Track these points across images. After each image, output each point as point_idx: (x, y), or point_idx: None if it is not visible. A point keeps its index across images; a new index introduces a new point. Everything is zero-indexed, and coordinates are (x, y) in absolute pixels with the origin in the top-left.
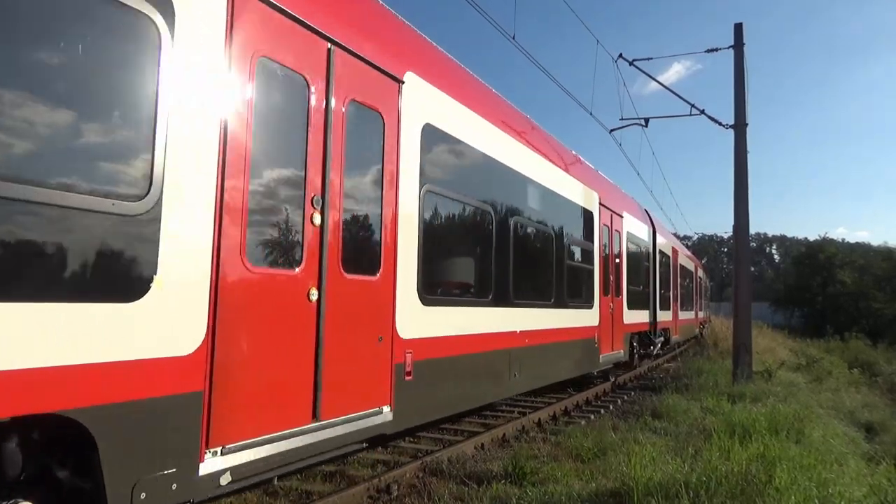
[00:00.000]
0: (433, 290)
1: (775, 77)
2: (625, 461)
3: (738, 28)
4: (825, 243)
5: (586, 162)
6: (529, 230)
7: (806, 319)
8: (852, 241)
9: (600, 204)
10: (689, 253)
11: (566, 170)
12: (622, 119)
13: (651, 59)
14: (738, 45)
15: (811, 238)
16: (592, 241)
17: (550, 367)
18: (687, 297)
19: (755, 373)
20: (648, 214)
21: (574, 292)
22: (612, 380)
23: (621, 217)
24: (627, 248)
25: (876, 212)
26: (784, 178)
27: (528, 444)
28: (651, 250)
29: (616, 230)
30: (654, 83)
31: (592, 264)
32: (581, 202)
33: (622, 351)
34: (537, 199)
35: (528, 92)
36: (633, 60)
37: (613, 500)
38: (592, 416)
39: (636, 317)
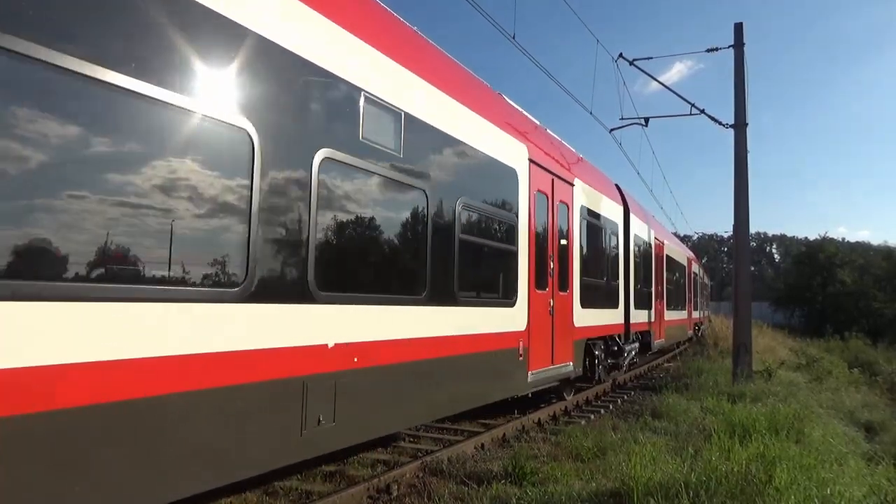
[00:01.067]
0: (41, 266)
1: (776, 76)
2: (625, 461)
3: (739, 28)
4: (825, 243)
5: (513, 104)
6: (366, 178)
7: (806, 319)
8: (853, 240)
9: (531, 161)
10: (680, 245)
11: (461, 100)
12: (622, 119)
13: (651, 58)
14: (739, 45)
15: (811, 237)
16: (515, 212)
17: (418, 399)
18: (677, 295)
19: (755, 372)
20: (620, 191)
21: (477, 282)
22: (608, 382)
23: (570, 185)
24: (582, 227)
25: (877, 211)
26: (785, 178)
27: (528, 443)
28: (623, 234)
29: (561, 201)
30: (655, 83)
31: (515, 244)
32: (492, 152)
33: (571, 363)
34: (387, 130)
35: (528, 92)
36: (633, 60)
37: (613, 500)
38: (592, 416)
39: (597, 317)
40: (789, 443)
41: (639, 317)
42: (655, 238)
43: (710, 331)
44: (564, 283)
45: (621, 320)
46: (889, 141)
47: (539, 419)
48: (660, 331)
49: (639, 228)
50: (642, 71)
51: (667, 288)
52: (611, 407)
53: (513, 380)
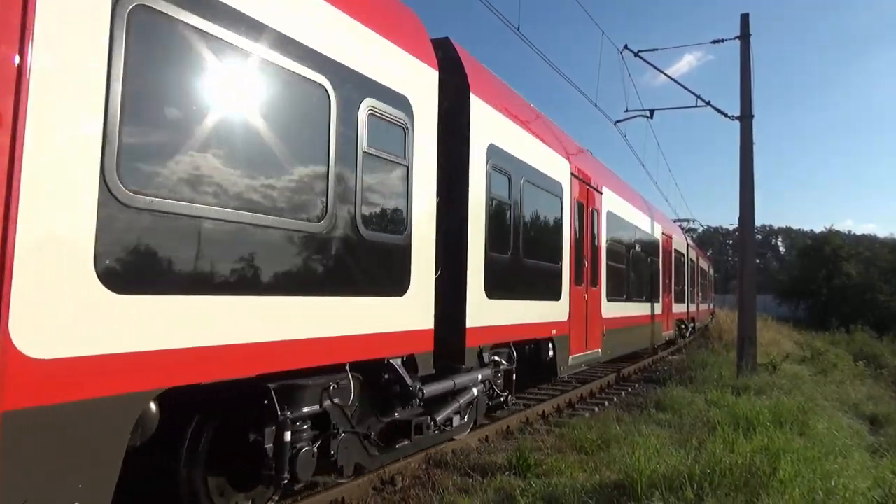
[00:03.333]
0: None
1: (784, 68)
2: (629, 453)
3: (745, 19)
4: (831, 235)
5: None
6: None
7: (811, 312)
8: (860, 232)
9: None
10: (656, 213)
11: None
12: (627, 111)
13: (657, 49)
14: (745, 37)
15: (817, 230)
16: None
17: None
18: (638, 279)
19: (760, 365)
20: (452, 51)
21: None
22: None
23: None
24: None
25: (884, 203)
26: (791, 170)
27: (532, 436)
28: (439, 131)
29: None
30: (663, 75)
31: None
32: None
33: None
34: None
35: (532, 84)
36: (639, 52)
37: (617, 492)
38: (596, 409)
39: (285, 324)
40: (793, 435)
41: (506, 314)
42: (581, 177)
43: (716, 325)
44: None
45: (413, 323)
46: None
47: (543, 411)
48: (586, 337)
49: (520, 145)
50: (647, 63)
51: (614, 267)
52: (615, 399)
53: None
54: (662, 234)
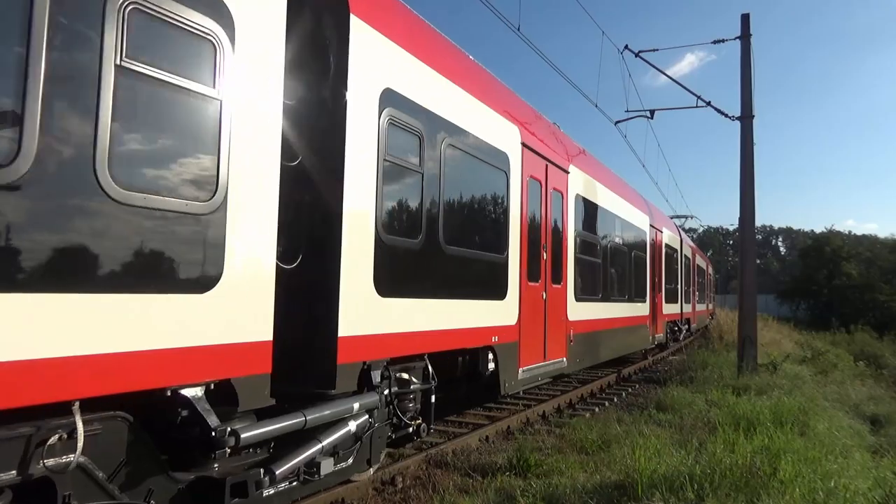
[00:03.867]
0: None
1: (784, 67)
2: (629, 453)
3: (745, 19)
4: (831, 235)
5: None
6: None
7: (811, 312)
8: (861, 232)
9: None
10: (640, 199)
11: None
12: (627, 111)
13: (657, 49)
14: (745, 36)
15: (818, 230)
16: None
17: None
18: (630, 277)
19: (760, 365)
20: None
21: None
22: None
23: None
24: None
25: (886, 203)
26: (792, 170)
27: (532, 436)
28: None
29: None
30: (664, 75)
31: None
32: None
33: None
34: None
35: (533, 84)
36: (639, 52)
37: (618, 492)
38: (597, 409)
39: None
40: (794, 435)
41: (415, 317)
42: (537, 150)
43: (716, 325)
44: None
45: (227, 333)
46: None
47: (544, 412)
48: (545, 344)
49: (440, 98)
50: (648, 63)
51: (585, 261)
52: (615, 399)
53: None
54: (651, 226)
